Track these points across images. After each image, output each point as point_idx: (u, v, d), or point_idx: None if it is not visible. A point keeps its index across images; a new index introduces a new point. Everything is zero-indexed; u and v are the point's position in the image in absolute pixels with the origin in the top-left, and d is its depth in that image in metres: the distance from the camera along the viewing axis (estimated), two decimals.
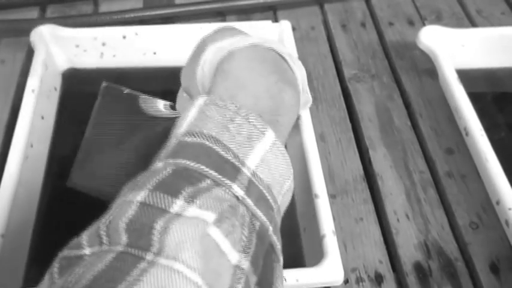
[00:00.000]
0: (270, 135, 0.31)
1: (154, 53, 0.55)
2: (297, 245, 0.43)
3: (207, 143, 0.29)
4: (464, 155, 0.50)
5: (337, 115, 0.54)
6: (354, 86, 0.56)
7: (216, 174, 0.28)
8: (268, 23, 0.54)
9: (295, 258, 0.42)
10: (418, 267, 0.43)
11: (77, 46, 0.53)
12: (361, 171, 0.49)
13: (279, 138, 0.31)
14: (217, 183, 0.28)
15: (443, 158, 0.50)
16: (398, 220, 0.46)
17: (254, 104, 0.32)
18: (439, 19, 0.64)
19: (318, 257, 0.37)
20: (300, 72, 0.37)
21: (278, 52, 0.36)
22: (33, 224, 0.43)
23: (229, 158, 0.29)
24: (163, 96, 0.52)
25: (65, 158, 0.47)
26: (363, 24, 0.63)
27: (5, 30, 0.60)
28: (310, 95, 0.40)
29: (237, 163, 0.29)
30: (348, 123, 0.53)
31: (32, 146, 0.45)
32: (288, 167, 0.32)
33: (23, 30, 0.58)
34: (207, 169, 0.28)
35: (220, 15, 0.64)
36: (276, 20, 0.64)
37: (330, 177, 0.48)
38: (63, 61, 0.54)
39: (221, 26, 0.39)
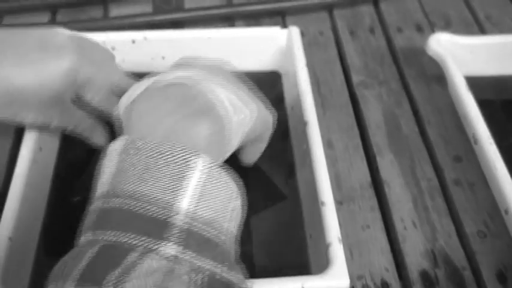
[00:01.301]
0: (201, 164, 0.29)
1: (163, 58, 0.55)
2: (303, 251, 0.42)
3: (130, 202, 0.27)
4: (473, 163, 0.50)
5: (345, 121, 0.54)
6: (362, 92, 0.56)
7: (142, 240, 0.26)
8: (276, 29, 0.54)
9: (301, 265, 0.42)
10: (425, 276, 0.43)
11: None
12: (368, 178, 0.49)
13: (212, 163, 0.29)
14: (146, 250, 0.26)
15: (451, 165, 0.50)
16: (405, 228, 0.45)
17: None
18: (448, 25, 0.64)
19: (323, 264, 0.37)
20: (222, 93, 0.34)
21: (181, 77, 0.34)
22: (40, 228, 0.43)
23: (154, 212, 0.27)
24: None
25: (73, 162, 0.48)
26: (372, 30, 0.63)
27: None
28: (253, 107, 0.37)
29: (163, 217, 0.27)
30: (356, 130, 0.53)
31: (41, 149, 0.45)
32: (229, 187, 0.30)
33: None
34: (132, 236, 0.26)
35: (229, 20, 0.64)
36: (284, 25, 0.64)
37: (336, 183, 0.48)
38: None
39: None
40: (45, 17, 0.65)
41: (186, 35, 0.55)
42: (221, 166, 0.30)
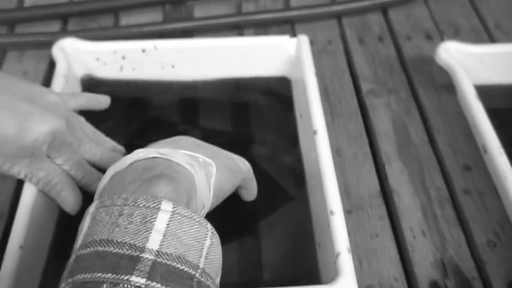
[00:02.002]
0: (166, 207, 0.31)
1: (173, 67, 0.55)
2: (312, 261, 0.43)
3: (100, 248, 0.29)
4: (482, 172, 0.50)
5: (354, 130, 0.54)
6: (371, 101, 0.56)
7: (111, 275, 0.28)
8: (286, 38, 0.54)
9: (311, 275, 0.42)
10: (435, 286, 0.42)
11: (97, 59, 0.54)
12: (377, 187, 0.49)
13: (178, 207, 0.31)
14: (114, 284, 0.27)
15: (460, 174, 0.50)
16: (414, 237, 0.45)
17: None
18: (457, 33, 0.64)
19: (333, 273, 0.37)
20: (182, 154, 0.36)
21: (142, 158, 0.36)
22: (51, 236, 0.44)
23: (125, 252, 0.29)
24: (181, 109, 0.53)
25: None
26: (381, 39, 0.63)
27: (28, 43, 0.61)
28: (209, 160, 0.38)
29: (134, 253, 0.29)
30: (365, 138, 0.53)
31: None
32: (201, 226, 0.32)
33: (45, 43, 0.59)
34: (103, 275, 0.28)
35: (238, 28, 0.65)
36: (293, 33, 0.64)
37: (345, 192, 0.48)
38: (84, 74, 0.54)
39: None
40: (56, 26, 0.65)
41: (196, 44, 0.55)
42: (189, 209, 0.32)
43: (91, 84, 0.54)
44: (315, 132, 0.45)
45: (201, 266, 0.30)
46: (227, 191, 0.40)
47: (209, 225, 0.32)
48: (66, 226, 0.44)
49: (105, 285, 0.27)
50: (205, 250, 0.31)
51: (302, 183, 0.47)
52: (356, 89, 0.58)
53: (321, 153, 0.44)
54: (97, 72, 0.55)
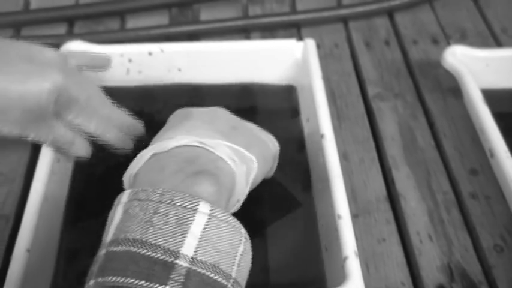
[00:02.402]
0: (204, 209, 0.30)
1: (179, 70, 0.55)
2: (319, 265, 0.42)
3: (133, 249, 0.28)
4: (489, 176, 0.50)
5: (360, 134, 0.54)
6: (378, 105, 0.56)
7: (144, 283, 0.27)
8: (292, 41, 0.54)
9: (317, 279, 0.42)
10: None
11: None
12: (384, 191, 0.49)
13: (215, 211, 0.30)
14: None
15: (467, 178, 0.50)
16: (421, 241, 0.45)
17: None
18: (463, 38, 0.64)
19: (339, 277, 0.37)
20: (225, 147, 0.35)
21: (183, 145, 0.35)
22: (58, 240, 0.44)
23: (159, 257, 0.28)
24: None
25: (89, 173, 0.48)
26: (387, 42, 0.63)
27: None
28: (252, 157, 0.37)
29: (169, 259, 0.28)
30: (371, 142, 0.53)
31: (58, 161, 0.45)
32: (236, 231, 0.31)
33: (52, 45, 0.59)
34: (135, 281, 0.27)
35: (244, 32, 0.65)
36: (299, 37, 0.64)
37: (352, 196, 0.48)
38: (90, 77, 0.54)
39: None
40: (62, 28, 0.66)
41: (202, 48, 0.55)
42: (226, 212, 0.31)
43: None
44: (322, 136, 0.45)
45: (233, 275, 0.30)
46: (259, 181, 0.40)
47: (243, 230, 0.31)
48: (73, 229, 0.44)
49: None
50: (238, 257, 0.30)
51: (309, 187, 0.47)
52: (362, 92, 0.58)
53: (328, 157, 0.44)
54: (103, 75, 0.54)
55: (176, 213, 0.29)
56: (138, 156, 0.35)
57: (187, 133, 0.36)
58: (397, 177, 0.50)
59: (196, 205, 0.30)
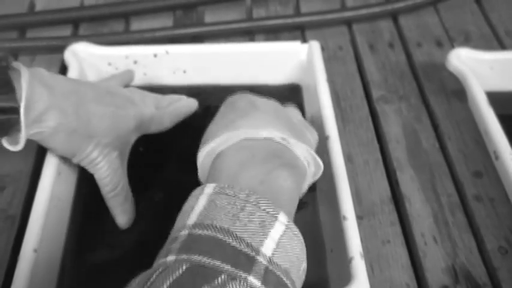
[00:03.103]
0: (282, 219, 0.32)
1: (184, 72, 0.55)
2: (322, 266, 0.43)
3: (219, 235, 0.30)
4: (493, 179, 0.50)
5: (365, 136, 0.54)
6: (382, 107, 0.56)
7: (231, 268, 0.28)
8: (297, 44, 0.55)
9: (320, 280, 0.42)
10: None
11: (109, 64, 0.54)
12: (389, 193, 0.49)
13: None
14: (233, 277, 0.28)
15: (471, 181, 0.50)
16: (425, 243, 0.45)
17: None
18: (467, 40, 0.64)
19: (344, 279, 0.37)
20: (303, 146, 0.38)
21: (270, 138, 0.37)
22: (64, 240, 0.44)
23: (243, 248, 0.29)
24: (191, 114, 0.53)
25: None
26: (391, 45, 0.64)
27: (39, 47, 0.62)
28: (320, 162, 0.41)
29: (251, 253, 0.29)
30: (376, 144, 0.53)
31: (64, 161, 0.45)
32: (303, 248, 0.33)
33: (57, 47, 0.59)
34: (222, 264, 0.28)
35: (249, 34, 0.65)
36: (304, 39, 0.64)
37: (357, 198, 0.48)
38: (96, 78, 0.55)
39: (228, 102, 0.42)
40: (67, 30, 0.66)
41: (207, 50, 0.55)
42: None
43: None
44: (327, 138, 0.46)
45: (297, 286, 0.32)
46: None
47: (305, 249, 0.33)
48: (79, 229, 0.45)
49: (223, 276, 0.28)
50: (301, 272, 0.32)
51: (313, 188, 0.47)
52: (367, 95, 0.58)
53: (333, 158, 0.44)
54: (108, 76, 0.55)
55: (260, 215, 0.31)
56: (223, 135, 0.37)
57: (271, 125, 0.38)
58: (401, 179, 0.50)
59: (277, 214, 0.32)
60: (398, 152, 0.52)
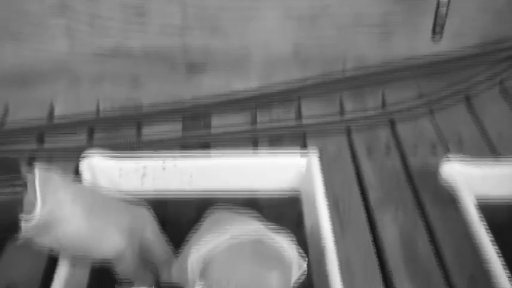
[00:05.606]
0: None
1: (191, 177, 0.58)
2: None
3: None
4: (488, 285, 0.51)
5: (362, 242, 0.56)
6: (379, 213, 0.59)
7: None
8: (297, 156, 0.57)
9: None
10: None
11: (120, 175, 0.58)
12: None
13: None
14: None
15: (467, 287, 0.51)
16: None
17: None
18: (460, 144, 0.67)
19: None
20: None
21: (258, 237, 0.40)
22: None
23: None
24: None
25: (106, 279, 0.49)
26: (387, 152, 0.67)
27: (55, 156, 0.66)
28: (303, 261, 0.43)
29: None
30: (373, 250, 0.55)
31: (75, 266, 0.47)
32: None
33: (72, 155, 0.63)
34: None
35: (253, 141, 0.69)
36: (304, 144, 0.68)
37: None
38: (107, 185, 0.58)
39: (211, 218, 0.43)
40: (83, 134, 0.70)
41: (213, 161, 0.59)
42: None
43: None
44: (323, 247, 0.48)
45: None
46: None
47: None
48: None
49: None
50: None
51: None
52: (364, 200, 0.60)
53: (329, 267, 0.46)
54: (120, 184, 0.58)
55: None
56: (202, 242, 0.39)
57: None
58: (398, 286, 0.51)
59: None
60: (394, 259, 0.54)
